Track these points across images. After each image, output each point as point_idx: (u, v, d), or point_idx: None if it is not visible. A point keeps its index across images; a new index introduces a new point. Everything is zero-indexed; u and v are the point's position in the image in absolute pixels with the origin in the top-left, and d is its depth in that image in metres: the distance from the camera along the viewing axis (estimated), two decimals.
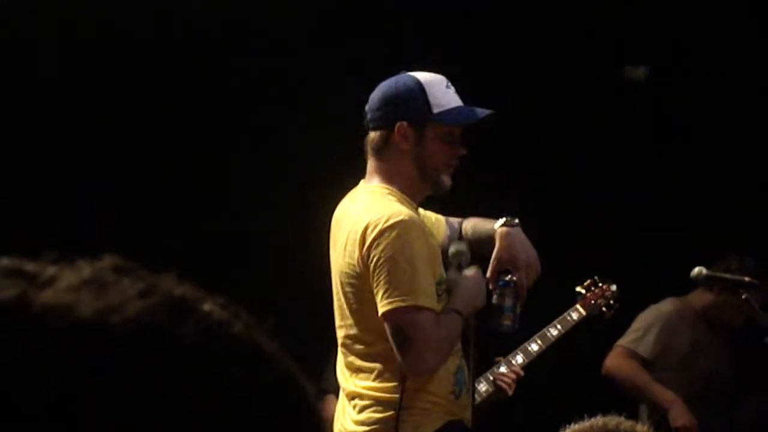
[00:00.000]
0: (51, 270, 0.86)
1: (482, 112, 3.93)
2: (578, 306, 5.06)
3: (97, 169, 6.36)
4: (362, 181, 3.94)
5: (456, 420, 3.81)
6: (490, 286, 3.90)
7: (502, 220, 3.93)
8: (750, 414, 6.18)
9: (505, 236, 3.89)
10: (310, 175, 5.99)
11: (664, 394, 6.02)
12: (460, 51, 6.28)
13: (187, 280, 0.88)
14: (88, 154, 6.30)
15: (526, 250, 3.89)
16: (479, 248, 3.98)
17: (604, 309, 5.13)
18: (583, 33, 6.85)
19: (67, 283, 0.85)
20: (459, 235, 4.03)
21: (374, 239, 3.68)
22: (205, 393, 0.83)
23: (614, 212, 6.80)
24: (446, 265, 3.89)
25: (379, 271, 3.68)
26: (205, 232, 6.31)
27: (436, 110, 3.86)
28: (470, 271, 3.87)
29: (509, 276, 3.88)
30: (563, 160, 6.77)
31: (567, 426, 2.29)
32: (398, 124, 3.84)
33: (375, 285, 3.70)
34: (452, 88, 3.92)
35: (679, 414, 5.97)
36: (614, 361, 6.10)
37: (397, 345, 3.70)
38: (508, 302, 3.90)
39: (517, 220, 3.93)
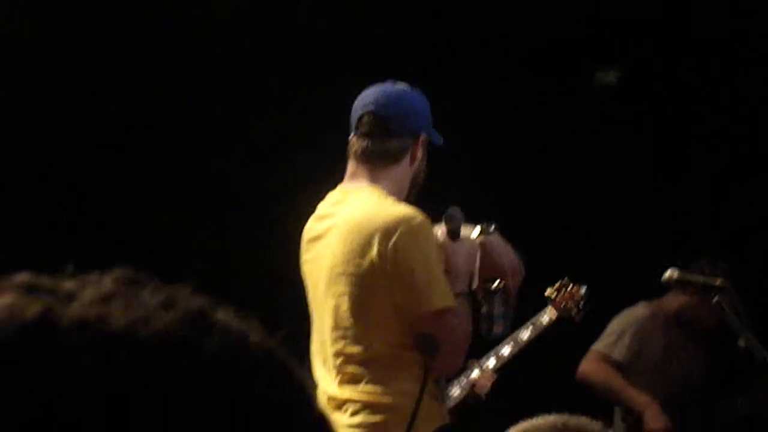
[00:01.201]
0: (69, 284, 0.85)
1: (439, 136, 3.96)
2: (549, 308, 5.05)
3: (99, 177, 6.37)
4: (345, 183, 3.89)
5: (446, 425, 3.81)
6: (479, 296, 3.89)
7: (478, 229, 3.91)
8: (723, 417, 6.18)
9: (485, 246, 3.88)
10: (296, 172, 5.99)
11: (639, 398, 6.02)
12: (430, 57, 6.28)
13: (199, 289, 0.88)
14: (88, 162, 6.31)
15: (507, 255, 3.89)
16: None
17: (574, 311, 5.12)
18: (554, 37, 6.85)
19: (90, 296, 0.84)
20: None
21: (397, 241, 3.64)
22: (233, 406, 0.83)
23: (586, 214, 6.80)
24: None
25: (410, 274, 3.66)
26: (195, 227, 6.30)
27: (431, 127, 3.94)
28: (465, 237, 3.86)
29: (496, 283, 3.87)
30: (535, 163, 6.77)
31: (517, 423, 2.26)
32: (422, 135, 3.84)
33: (402, 287, 3.67)
34: None
35: (653, 417, 5.96)
36: (589, 366, 6.10)
37: (424, 347, 3.70)
38: (498, 309, 3.91)
39: (493, 226, 3.91)
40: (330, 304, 3.80)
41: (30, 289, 0.84)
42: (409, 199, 3.86)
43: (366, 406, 3.73)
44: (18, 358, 0.80)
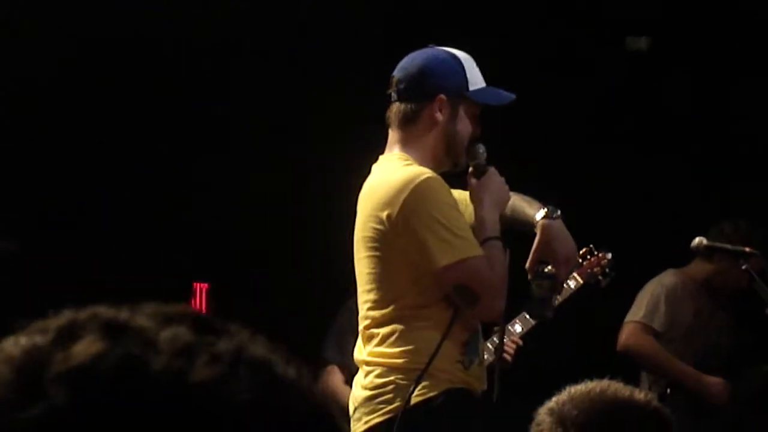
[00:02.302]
0: (143, 322, 0.89)
1: (508, 95, 3.99)
2: (575, 274, 5.07)
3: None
4: (382, 155, 3.96)
5: (457, 388, 3.81)
6: (529, 276, 3.93)
7: (543, 211, 3.93)
8: (751, 384, 6.19)
9: (546, 229, 3.90)
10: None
11: (688, 372, 6.02)
12: (462, 33, 6.28)
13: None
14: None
15: (565, 244, 3.92)
16: (515, 227, 4.00)
17: (600, 277, 5.14)
18: (583, 5, 6.85)
19: (171, 347, 0.87)
20: None
21: (405, 200, 3.69)
22: None
23: (610, 184, 6.81)
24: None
25: (421, 232, 3.70)
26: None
27: (471, 87, 3.92)
28: (489, 176, 3.90)
29: (548, 268, 3.91)
30: (560, 130, 6.78)
31: (564, 390, 2.29)
32: (439, 96, 3.86)
33: (416, 246, 3.71)
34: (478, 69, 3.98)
35: (718, 392, 5.99)
36: (633, 339, 6.05)
37: (462, 299, 3.74)
38: (546, 294, 3.95)
39: (558, 212, 3.94)
40: (358, 269, 3.87)
41: (112, 332, 0.86)
42: (457, 161, 3.90)
43: (382, 368, 3.78)
44: (103, 409, 0.83)
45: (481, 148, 3.94)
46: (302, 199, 6.33)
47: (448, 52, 3.94)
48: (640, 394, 2.29)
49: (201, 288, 6.54)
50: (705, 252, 5.84)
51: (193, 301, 6.43)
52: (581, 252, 5.12)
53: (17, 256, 6.21)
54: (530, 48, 6.73)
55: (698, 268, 6.22)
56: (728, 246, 5.80)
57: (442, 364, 3.76)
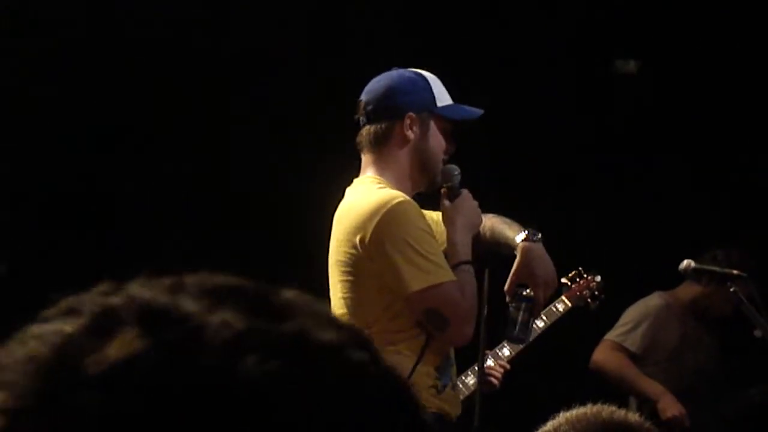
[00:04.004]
0: (189, 305, 0.77)
1: (476, 110, 3.98)
2: (564, 297, 5.05)
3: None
4: (357, 178, 3.95)
5: (431, 413, 3.78)
6: (507, 299, 3.91)
7: (523, 234, 3.92)
8: (738, 407, 6.18)
9: (526, 251, 3.89)
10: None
11: (652, 387, 6.02)
12: (444, 49, 6.28)
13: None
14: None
15: (545, 267, 3.91)
16: (495, 249, 3.98)
17: (589, 300, 5.13)
18: (572, 27, 6.85)
19: (222, 336, 0.75)
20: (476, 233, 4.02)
21: (378, 224, 3.68)
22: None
23: (600, 205, 6.81)
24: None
25: (393, 256, 3.69)
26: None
27: (439, 104, 3.91)
28: (462, 199, 3.88)
29: (527, 291, 3.89)
30: (550, 153, 6.78)
31: (557, 414, 2.28)
32: (408, 113, 3.85)
33: (388, 270, 3.70)
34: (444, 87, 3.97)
35: (668, 405, 5.97)
36: (602, 355, 6.10)
37: (432, 324, 3.74)
38: (524, 317, 3.94)
39: (539, 235, 3.93)
40: (333, 293, 3.86)
41: (151, 323, 0.75)
42: (433, 179, 3.89)
43: None
44: (141, 419, 0.73)
45: (456, 170, 3.93)
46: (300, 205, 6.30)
47: (413, 72, 3.95)
48: (634, 416, 2.30)
49: None
50: (693, 274, 5.85)
51: None
52: (570, 275, 5.11)
53: (4, 278, 6.18)
54: (515, 63, 6.74)
55: (686, 290, 6.22)
56: (716, 268, 5.81)
57: (419, 389, 3.74)
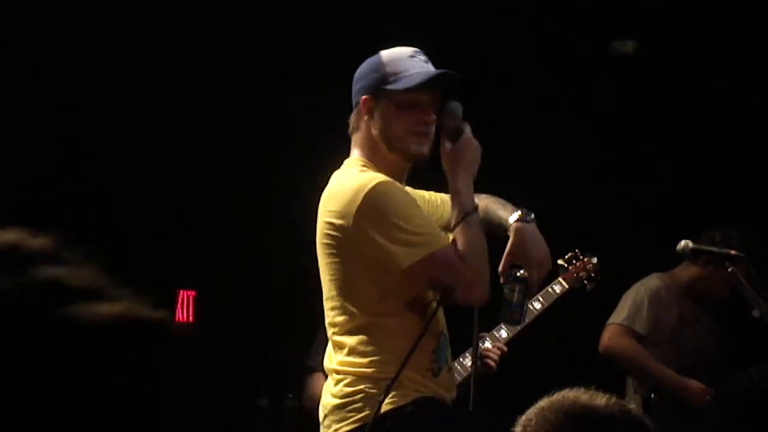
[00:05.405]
0: None
1: (426, 73, 3.85)
2: (561, 279, 5.06)
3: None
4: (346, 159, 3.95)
5: (426, 397, 3.79)
6: (501, 280, 3.89)
7: (517, 214, 3.89)
8: (736, 387, 6.19)
9: (519, 232, 3.86)
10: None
11: (667, 374, 6.02)
12: (438, 29, 6.29)
13: None
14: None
15: (538, 247, 3.87)
16: (488, 230, 3.96)
17: (585, 282, 5.14)
18: (569, 7, 6.85)
19: None
20: None
21: (359, 209, 3.67)
22: None
23: (597, 186, 6.81)
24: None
25: (379, 239, 3.67)
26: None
27: (391, 79, 3.84)
28: (464, 142, 3.83)
29: (520, 272, 3.88)
30: (546, 133, 6.78)
31: (535, 405, 2.29)
32: (362, 98, 3.86)
33: (376, 253, 3.69)
34: (420, 58, 3.89)
35: (696, 396, 6.00)
36: (614, 341, 6.07)
37: (441, 293, 3.70)
38: (518, 298, 3.90)
39: (533, 215, 3.91)
40: (322, 275, 3.86)
41: None
42: (405, 153, 3.85)
43: (352, 376, 3.76)
44: None
45: (458, 108, 3.83)
46: (292, 203, 6.32)
47: (377, 54, 3.91)
48: (600, 398, 2.30)
49: (187, 296, 6.52)
50: (691, 255, 5.83)
51: (178, 309, 6.41)
52: (567, 256, 5.12)
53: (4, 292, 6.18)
54: (516, 48, 6.74)
55: (684, 271, 6.22)
56: (714, 249, 5.80)
57: (411, 373, 3.74)
